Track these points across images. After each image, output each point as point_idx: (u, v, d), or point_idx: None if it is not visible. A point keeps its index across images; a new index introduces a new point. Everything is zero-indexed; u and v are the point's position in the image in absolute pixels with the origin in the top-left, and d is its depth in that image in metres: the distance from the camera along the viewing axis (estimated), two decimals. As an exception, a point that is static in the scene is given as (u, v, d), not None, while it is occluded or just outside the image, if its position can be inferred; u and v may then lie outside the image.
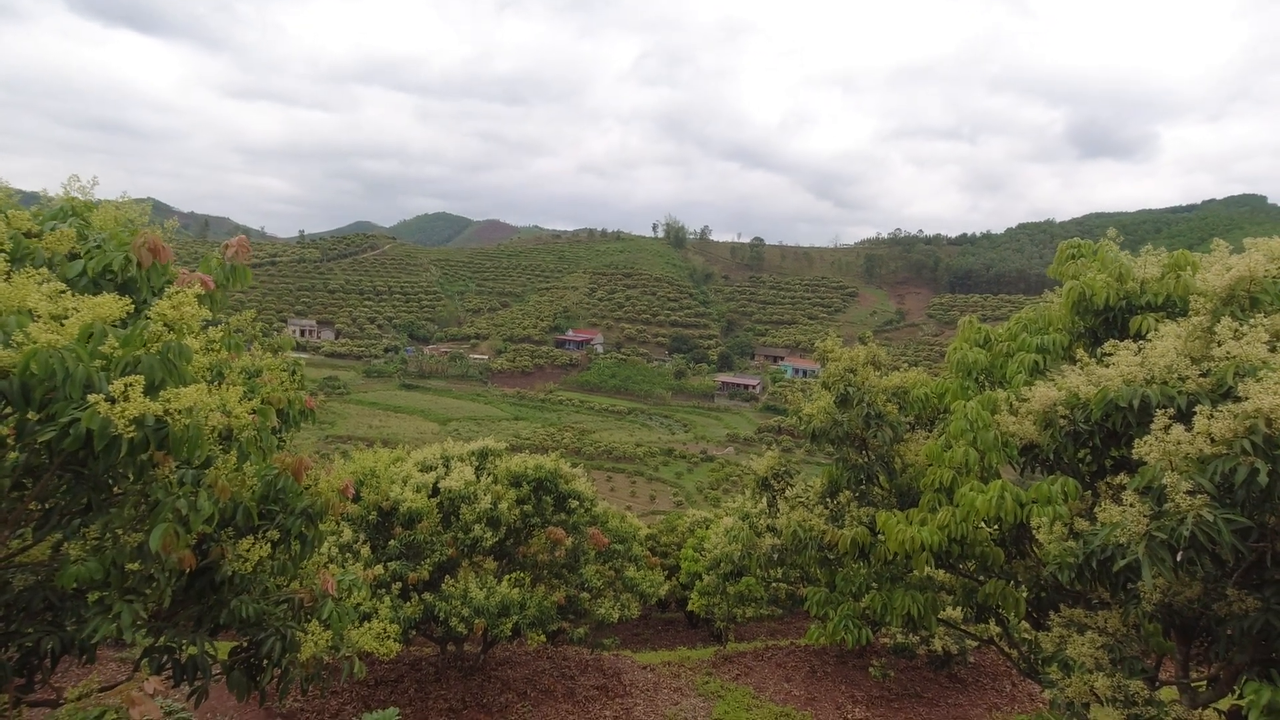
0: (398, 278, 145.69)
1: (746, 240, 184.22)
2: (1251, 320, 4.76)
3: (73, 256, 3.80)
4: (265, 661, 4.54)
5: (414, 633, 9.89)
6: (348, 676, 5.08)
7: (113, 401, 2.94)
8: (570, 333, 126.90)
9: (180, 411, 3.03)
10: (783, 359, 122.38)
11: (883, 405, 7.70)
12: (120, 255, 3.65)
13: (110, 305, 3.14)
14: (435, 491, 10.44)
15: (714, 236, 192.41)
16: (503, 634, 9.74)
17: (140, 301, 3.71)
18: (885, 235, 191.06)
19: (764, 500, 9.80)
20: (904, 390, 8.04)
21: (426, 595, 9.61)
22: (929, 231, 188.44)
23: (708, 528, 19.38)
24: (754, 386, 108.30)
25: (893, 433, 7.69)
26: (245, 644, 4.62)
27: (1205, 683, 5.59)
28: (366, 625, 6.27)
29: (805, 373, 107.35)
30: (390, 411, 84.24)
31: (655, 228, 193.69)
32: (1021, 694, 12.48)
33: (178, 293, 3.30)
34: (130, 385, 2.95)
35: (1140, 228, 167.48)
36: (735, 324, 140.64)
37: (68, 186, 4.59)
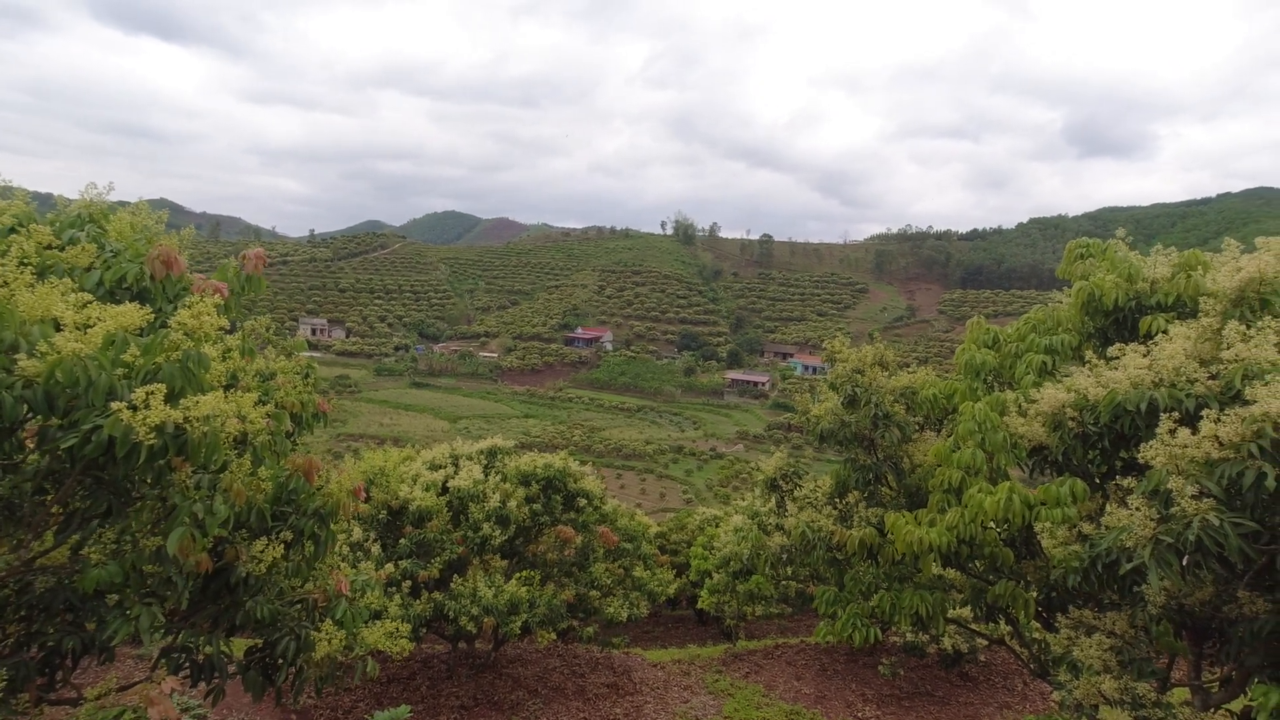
0: (407, 276, 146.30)
1: (755, 237, 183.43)
2: (1260, 322, 4.73)
3: (89, 266, 3.86)
4: (280, 661, 4.60)
5: (425, 630, 9.98)
6: (361, 676, 5.15)
7: (134, 409, 3.00)
8: (579, 330, 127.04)
9: (199, 419, 3.10)
10: (792, 356, 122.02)
11: (890, 406, 7.68)
12: (135, 267, 3.72)
13: (132, 314, 3.20)
14: (444, 490, 10.52)
15: (723, 233, 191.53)
16: (512, 632, 9.82)
17: (156, 309, 3.78)
18: (895, 231, 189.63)
19: (773, 500, 9.82)
20: (912, 391, 8.02)
21: (436, 594, 9.70)
22: (937, 228, 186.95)
23: (717, 525, 19.41)
24: (763, 383, 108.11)
25: (901, 433, 7.68)
26: (261, 644, 4.69)
27: (1218, 684, 5.58)
28: (378, 623, 6.34)
29: (815, 369, 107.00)
30: (401, 410, 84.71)
31: (664, 225, 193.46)
32: (1034, 693, 12.44)
33: (198, 301, 3.36)
34: (152, 394, 3.00)
35: (1155, 222, 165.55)
36: (744, 321, 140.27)
37: (85, 193, 4.66)
